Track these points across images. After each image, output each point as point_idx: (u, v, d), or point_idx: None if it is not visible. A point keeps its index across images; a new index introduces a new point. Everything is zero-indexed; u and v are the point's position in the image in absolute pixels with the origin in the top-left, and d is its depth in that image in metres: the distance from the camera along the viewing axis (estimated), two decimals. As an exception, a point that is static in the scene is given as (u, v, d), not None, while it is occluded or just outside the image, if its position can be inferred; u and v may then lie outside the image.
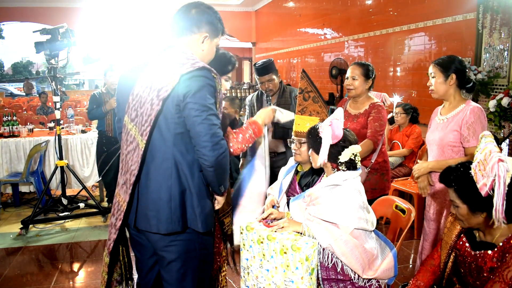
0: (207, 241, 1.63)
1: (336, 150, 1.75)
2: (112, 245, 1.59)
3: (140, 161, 1.48)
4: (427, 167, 2.14)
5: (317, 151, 1.80)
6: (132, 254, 1.76)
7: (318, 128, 1.81)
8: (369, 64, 2.70)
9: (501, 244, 1.42)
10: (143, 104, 1.49)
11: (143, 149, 1.47)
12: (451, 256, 1.61)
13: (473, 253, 1.51)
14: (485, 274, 1.44)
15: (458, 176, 1.43)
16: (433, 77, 2.13)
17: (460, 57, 2.13)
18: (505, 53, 3.97)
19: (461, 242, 1.58)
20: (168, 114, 1.46)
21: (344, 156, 1.74)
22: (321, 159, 1.75)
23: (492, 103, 3.60)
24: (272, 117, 2.07)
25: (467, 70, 2.12)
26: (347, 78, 2.67)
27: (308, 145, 1.89)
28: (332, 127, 1.74)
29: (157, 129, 1.49)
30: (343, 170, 1.75)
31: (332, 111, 1.88)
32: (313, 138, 1.82)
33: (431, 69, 2.14)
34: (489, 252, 1.44)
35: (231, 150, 1.79)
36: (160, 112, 1.45)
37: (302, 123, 2.14)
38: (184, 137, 1.47)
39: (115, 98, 3.91)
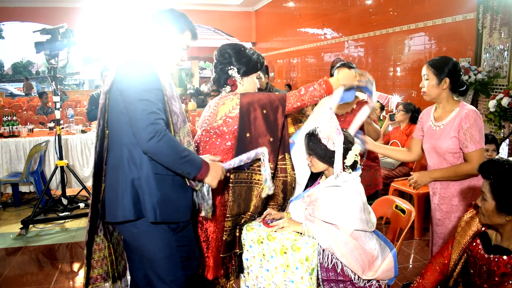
0: (185, 238, 1.66)
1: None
2: (87, 236, 1.66)
3: (97, 153, 1.60)
4: (428, 176, 2.11)
5: (319, 156, 1.75)
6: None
7: (317, 133, 1.75)
8: (354, 65, 2.67)
9: None
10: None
11: (98, 141, 1.59)
12: (463, 257, 1.59)
13: (486, 256, 1.48)
14: (496, 279, 1.42)
15: (500, 171, 1.37)
16: (426, 79, 2.08)
17: (454, 59, 2.08)
18: (505, 53, 3.97)
19: (474, 244, 1.55)
20: (115, 105, 1.53)
21: (350, 159, 1.72)
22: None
23: (492, 103, 3.60)
24: (355, 80, 1.90)
25: (461, 73, 2.07)
26: None
27: (309, 152, 1.81)
28: (342, 134, 1.70)
29: (111, 120, 1.57)
30: (349, 173, 1.73)
31: None
32: (315, 144, 1.75)
33: (425, 70, 2.09)
34: (505, 257, 1.42)
35: (289, 105, 1.81)
36: (105, 105, 1.56)
37: None
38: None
39: None
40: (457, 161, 2.05)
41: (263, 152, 1.74)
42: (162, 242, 1.57)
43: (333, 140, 1.70)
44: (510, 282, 1.35)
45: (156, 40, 1.61)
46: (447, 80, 2.02)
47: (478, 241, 1.54)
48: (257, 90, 1.98)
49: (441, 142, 2.06)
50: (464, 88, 2.09)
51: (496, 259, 1.44)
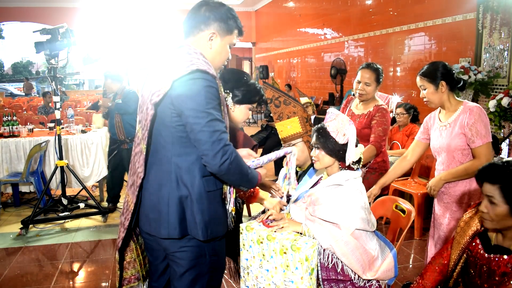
0: (218, 248, 1.59)
1: (344, 149, 1.74)
2: (120, 243, 1.59)
3: (144, 165, 1.48)
4: (440, 180, 2.15)
5: (327, 150, 1.75)
6: None
7: (326, 127, 1.77)
8: (379, 66, 2.64)
9: None
10: (144, 107, 1.48)
11: (144, 153, 1.46)
12: (463, 257, 1.59)
13: (486, 255, 1.48)
14: (496, 278, 1.42)
15: (508, 174, 1.37)
16: (424, 89, 2.14)
17: (443, 62, 2.15)
18: (505, 53, 3.97)
19: (474, 243, 1.55)
20: (166, 118, 1.42)
21: (356, 155, 1.74)
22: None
23: (492, 103, 3.60)
24: (277, 208, 1.94)
25: (453, 72, 2.13)
26: (359, 83, 2.59)
27: (317, 146, 1.80)
28: (353, 125, 1.73)
29: (157, 132, 1.47)
30: (355, 169, 1.76)
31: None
32: (324, 138, 1.76)
33: (419, 82, 2.15)
34: (505, 257, 1.42)
35: None
36: (154, 116, 1.43)
37: (284, 129, 2.13)
38: (185, 141, 1.43)
39: (110, 98, 4.11)
40: (466, 158, 2.09)
41: (292, 151, 1.74)
42: (196, 253, 1.53)
43: (344, 131, 1.72)
44: (511, 281, 1.35)
45: (207, 44, 1.51)
46: (444, 83, 2.09)
47: (478, 241, 1.54)
48: (247, 119, 2.00)
49: (450, 141, 2.10)
50: (462, 83, 2.15)
51: (496, 259, 1.44)
